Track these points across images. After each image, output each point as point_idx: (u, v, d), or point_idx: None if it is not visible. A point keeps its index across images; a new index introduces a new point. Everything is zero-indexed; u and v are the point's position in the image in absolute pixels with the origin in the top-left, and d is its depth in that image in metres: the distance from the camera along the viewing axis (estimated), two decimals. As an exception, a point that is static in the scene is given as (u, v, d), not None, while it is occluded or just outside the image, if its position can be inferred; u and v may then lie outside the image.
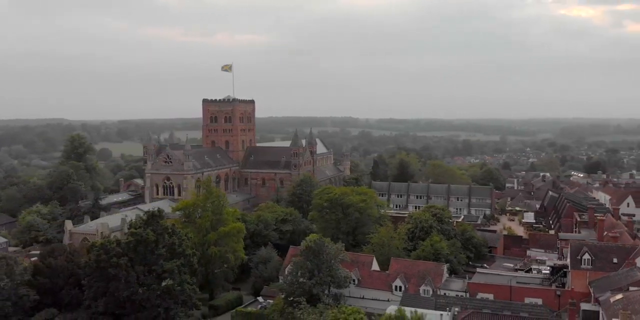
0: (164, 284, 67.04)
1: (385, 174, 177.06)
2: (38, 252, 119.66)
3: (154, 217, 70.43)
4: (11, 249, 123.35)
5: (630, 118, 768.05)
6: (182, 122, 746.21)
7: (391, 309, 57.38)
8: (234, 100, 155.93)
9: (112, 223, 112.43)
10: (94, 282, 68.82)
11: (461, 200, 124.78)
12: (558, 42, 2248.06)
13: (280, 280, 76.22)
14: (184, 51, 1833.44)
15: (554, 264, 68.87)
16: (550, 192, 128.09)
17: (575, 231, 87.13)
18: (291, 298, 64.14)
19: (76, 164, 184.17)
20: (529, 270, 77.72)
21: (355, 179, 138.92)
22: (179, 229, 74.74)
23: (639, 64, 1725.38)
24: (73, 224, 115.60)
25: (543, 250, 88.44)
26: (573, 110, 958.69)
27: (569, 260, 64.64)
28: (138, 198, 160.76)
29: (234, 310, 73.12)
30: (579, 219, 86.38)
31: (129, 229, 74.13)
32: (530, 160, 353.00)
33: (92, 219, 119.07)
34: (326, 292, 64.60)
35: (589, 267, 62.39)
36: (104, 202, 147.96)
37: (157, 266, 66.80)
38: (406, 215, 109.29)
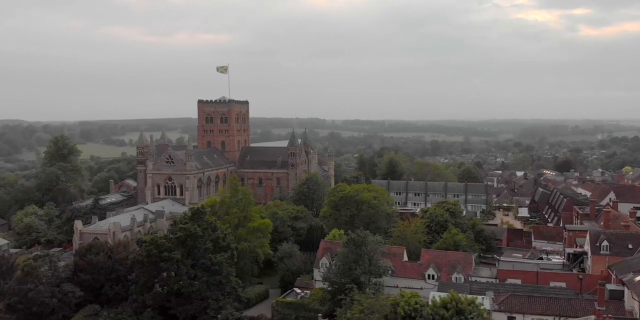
0: (213, 276, 70.01)
1: (373, 173, 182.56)
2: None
3: (199, 213, 73.28)
4: (12, 251, 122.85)
5: (585, 119, 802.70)
6: (147, 123, 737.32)
7: (433, 295, 62.13)
8: (231, 101, 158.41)
9: (122, 223, 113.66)
10: (142, 277, 71.29)
11: (457, 197, 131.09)
12: (515, 45, 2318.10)
13: (316, 272, 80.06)
14: (145, 51, 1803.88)
15: (574, 251, 75.26)
16: (541, 189, 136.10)
17: (577, 223, 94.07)
18: (337, 287, 68.29)
19: (64, 165, 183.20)
20: (540, 259, 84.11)
21: (356, 178, 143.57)
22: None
23: (592, 67, 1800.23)
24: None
25: (547, 241, 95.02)
26: (530, 112, 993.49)
27: (588, 247, 71.04)
28: (130, 199, 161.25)
29: (274, 301, 76.44)
30: (580, 212, 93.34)
31: (171, 225, 76.51)
32: (498, 159, 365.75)
33: (94, 219, 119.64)
34: (367, 281, 68.75)
35: (607, 252, 68.98)
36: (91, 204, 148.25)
37: (206, 259, 69.70)
38: (410, 211, 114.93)
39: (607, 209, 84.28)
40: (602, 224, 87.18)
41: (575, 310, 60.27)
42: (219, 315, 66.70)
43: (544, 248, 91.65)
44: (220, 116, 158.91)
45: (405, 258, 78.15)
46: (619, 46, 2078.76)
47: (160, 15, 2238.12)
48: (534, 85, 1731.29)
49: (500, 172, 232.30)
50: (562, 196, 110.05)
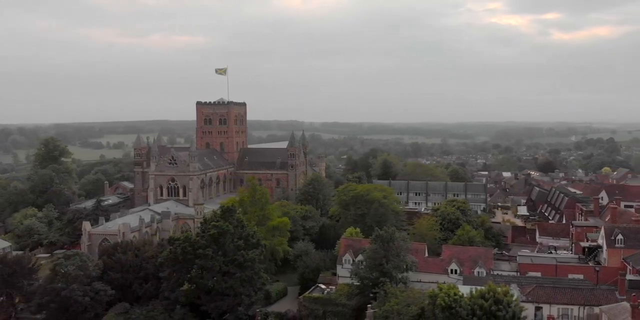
0: (245, 272, 71.55)
1: (368, 174, 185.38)
2: (47, 255, 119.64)
3: (229, 211, 74.76)
4: (15, 253, 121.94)
5: (558, 121, 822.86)
6: (123, 125, 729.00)
7: (463, 289, 64.82)
8: (230, 102, 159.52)
9: (131, 223, 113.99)
10: (174, 274, 72.45)
11: (457, 196, 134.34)
12: (488, 49, 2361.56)
13: (339, 268, 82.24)
14: (119, 52, 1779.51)
15: (589, 245, 79.07)
16: (537, 188, 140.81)
17: (581, 220, 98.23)
18: (366, 282, 70.67)
19: (57, 167, 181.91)
20: (550, 254, 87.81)
21: (358, 178, 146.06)
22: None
23: (564, 70, 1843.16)
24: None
25: (552, 238, 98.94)
26: (504, 114, 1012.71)
27: (604, 240, 74.87)
28: (127, 201, 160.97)
29: (301, 297, 78.29)
30: (585, 209, 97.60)
31: (202, 223, 77.71)
32: (479, 161, 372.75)
33: (95, 221, 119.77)
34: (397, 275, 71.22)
35: (622, 246, 72.91)
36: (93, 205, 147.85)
37: (238, 256, 71.16)
38: (416, 210, 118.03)
39: (613, 206, 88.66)
40: (607, 219, 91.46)
41: (598, 299, 63.68)
42: (257, 310, 68.19)
43: (550, 244, 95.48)
44: (219, 118, 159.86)
45: (426, 254, 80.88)
46: (589, 50, 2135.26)
47: (134, 17, 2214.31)
48: (507, 88, 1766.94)
49: (486, 172, 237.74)
50: (562, 194, 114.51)
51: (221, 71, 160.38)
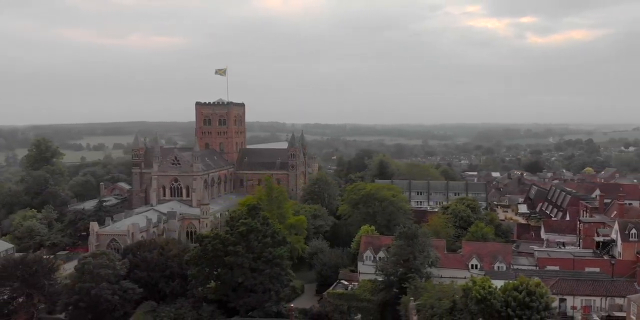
0: (273, 269, 72.66)
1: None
2: (50, 256, 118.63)
3: (255, 209, 75.79)
4: (18, 255, 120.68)
5: (535, 123, 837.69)
6: (102, 127, 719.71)
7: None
8: (230, 103, 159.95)
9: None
10: (202, 272, 73.19)
11: (458, 195, 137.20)
12: (466, 52, 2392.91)
13: (360, 265, 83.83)
14: (97, 52, 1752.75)
15: (603, 240, 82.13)
16: (536, 187, 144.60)
17: (586, 216, 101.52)
18: (392, 277, 72.43)
19: (51, 168, 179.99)
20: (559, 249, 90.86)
21: (361, 177, 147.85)
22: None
23: (538, 73, 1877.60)
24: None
25: (557, 234, 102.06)
26: (482, 116, 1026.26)
27: (618, 235, 77.95)
28: (125, 202, 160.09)
29: (325, 293, 79.64)
30: (590, 206, 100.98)
31: (227, 221, 78.49)
32: (463, 162, 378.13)
33: (102, 222, 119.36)
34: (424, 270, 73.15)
35: (636, 239, 76.14)
36: (90, 206, 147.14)
37: (267, 253, 72.24)
38: (422, 209, 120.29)
39: (621, 202, 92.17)
40: (612, 216, 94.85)
41: (619, 290, 66.61)
42: (291, 305, 69.31)
43: (557, 240, 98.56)
44: (219, 118, 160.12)
45: (445, 250, 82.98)
46: (563, 53, 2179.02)
47: (112, 17, 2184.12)
48: (485, 90, 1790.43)
49: (476, 173, 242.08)
50: (563, 193, 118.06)
51: (221, 72, 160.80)
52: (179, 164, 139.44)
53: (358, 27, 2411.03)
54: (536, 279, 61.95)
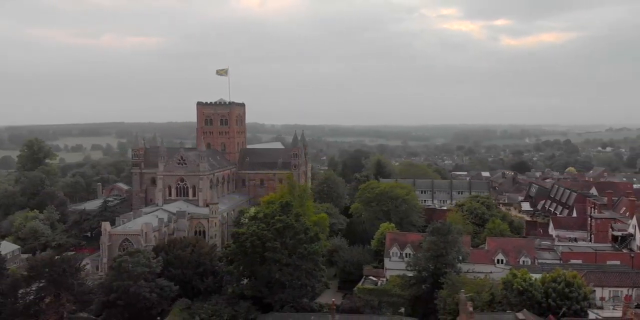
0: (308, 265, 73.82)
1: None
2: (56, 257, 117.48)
3: (287, 206, 76.89)
4: (24, 255, 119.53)
5: (511, 124, 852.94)
6: (78, 128, 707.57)
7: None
8: (231, 103, 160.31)
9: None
10: (238, 268, 73.96)
11: (462, 194, 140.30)
12: (441, 54, 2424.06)
13: (386, 261, 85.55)
14: (72, 53, 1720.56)
15: (622, 234, 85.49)
16: (536, 185, 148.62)
17: (594, 213, 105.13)
18: (424, 273, 74.42)
19: (45, 168, 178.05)
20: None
21: (366, 177, 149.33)
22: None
23: (513, 75, 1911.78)
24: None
25: (566, 230, 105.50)
26: (458, 117, 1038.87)
27: (636, 229, 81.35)
28: (124, 202, 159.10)
29: (355, 288, 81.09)
30: (598, 203, 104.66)
31: (261, 218, 79.17)
32: (447, 162, 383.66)
33: (112, 222, 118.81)
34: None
35: (653, 234, 79.60)
36: (90, 207, 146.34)
37: (302, 249, 73.37)
38: (431, 207, 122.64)
39: (632, 198, 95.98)
40: (621, 212, 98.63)
41: (645, 282, 69.62)
42: (332, 300, 70.54)
43: (567, 235, 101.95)
44: (220, 118, 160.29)
45: (470, 246, 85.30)
46: (536, 55, 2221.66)
47: (88, 17, 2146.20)
48: (459, 92, 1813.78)
49: (466, 172, 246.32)
50: (568, 191, 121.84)
51: (222, 72, 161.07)
52: (185, 163, 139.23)
53: (334, 29, 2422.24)
54: (572, 271, 64.50)
